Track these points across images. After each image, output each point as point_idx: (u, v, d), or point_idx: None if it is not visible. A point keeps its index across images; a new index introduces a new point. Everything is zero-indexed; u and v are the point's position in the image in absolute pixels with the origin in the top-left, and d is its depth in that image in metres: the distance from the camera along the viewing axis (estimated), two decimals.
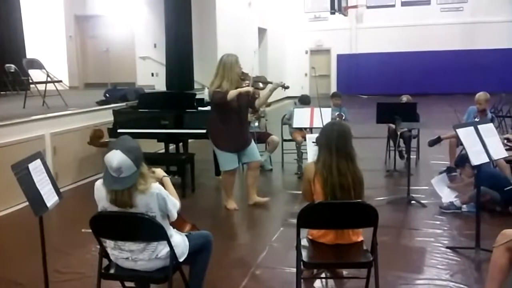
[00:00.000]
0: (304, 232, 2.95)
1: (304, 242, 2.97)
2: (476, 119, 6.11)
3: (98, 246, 2.76)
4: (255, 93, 5.12)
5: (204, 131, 5.54)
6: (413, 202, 5.25)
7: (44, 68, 8.02)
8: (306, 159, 4.03)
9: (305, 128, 6.63)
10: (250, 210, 5.27)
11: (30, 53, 11.07)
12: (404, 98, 7.28)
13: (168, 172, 4.80)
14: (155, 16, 11.97)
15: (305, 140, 4.84)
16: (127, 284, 2.96)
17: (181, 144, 6.78)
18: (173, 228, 2.83)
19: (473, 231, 3.93)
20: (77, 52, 13.55)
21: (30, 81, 8.50)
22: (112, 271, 2.77)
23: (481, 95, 6.33)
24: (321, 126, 4.99)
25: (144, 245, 2.65)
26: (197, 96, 6.54)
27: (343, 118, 6.90)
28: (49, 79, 7.95)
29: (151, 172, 2.79)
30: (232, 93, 4.72)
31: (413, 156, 6.70)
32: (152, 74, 12.61)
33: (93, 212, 2.67)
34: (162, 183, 2.83)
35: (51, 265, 3.13)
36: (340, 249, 2.94)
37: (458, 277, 3.50)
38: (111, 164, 2.51)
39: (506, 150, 4.23)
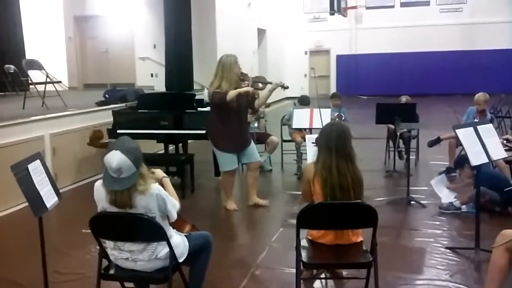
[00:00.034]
0: (303, 232, 2.95)
1: (303, 242, 2.97)
2: (475, 120, 6.12)
3: (98, 247, 2.76)
4: (254, 93, 5.12)
5: (203, 131, 5.54)
6: (412, 202, 5.25)
7: (44, 69, 8.02)
8: (306, 159, 4.03)
9: (305, 129, 6.63)
10: (249, 210, 5.27)
11: (29, 54, 11.06)
12: (403, 99, 7.27)
13: (167, 172, 4.75)
14: (154, 17, 11.97)
15: (304, 140, 4.85)
16: (127, 284, 2.97)
17: (180, 144, 6.78)
18: (173, 228, 2.83)
19: (472, 231, 3.93)
20: (77, 52, 13.56)
21: (30, 81, 8.50)
22: (111, 271, 2.77)
23: (480, 95, 6.34)
24: (321, 126, 5.01)
25: (144, 245, 2.65)
26: (197, 97, 6.54)
27: (343, 118, 6.91)
28: (48, 80, 7.96)
29: (151, 172, 2.79)
30: (232, 94, 4.71)
31: (412, 157, 6.70)
32: (152, 75, 12.61)
33: (92, 212, 2.67)
34: (161, 183, 2.83)
35: (50, 265, 3.13)
36: (340, 250, 2.94)
37: (457, 277, 3.50)
38: (110, 165, 2.51)
39: (506, 150, 4.24)
